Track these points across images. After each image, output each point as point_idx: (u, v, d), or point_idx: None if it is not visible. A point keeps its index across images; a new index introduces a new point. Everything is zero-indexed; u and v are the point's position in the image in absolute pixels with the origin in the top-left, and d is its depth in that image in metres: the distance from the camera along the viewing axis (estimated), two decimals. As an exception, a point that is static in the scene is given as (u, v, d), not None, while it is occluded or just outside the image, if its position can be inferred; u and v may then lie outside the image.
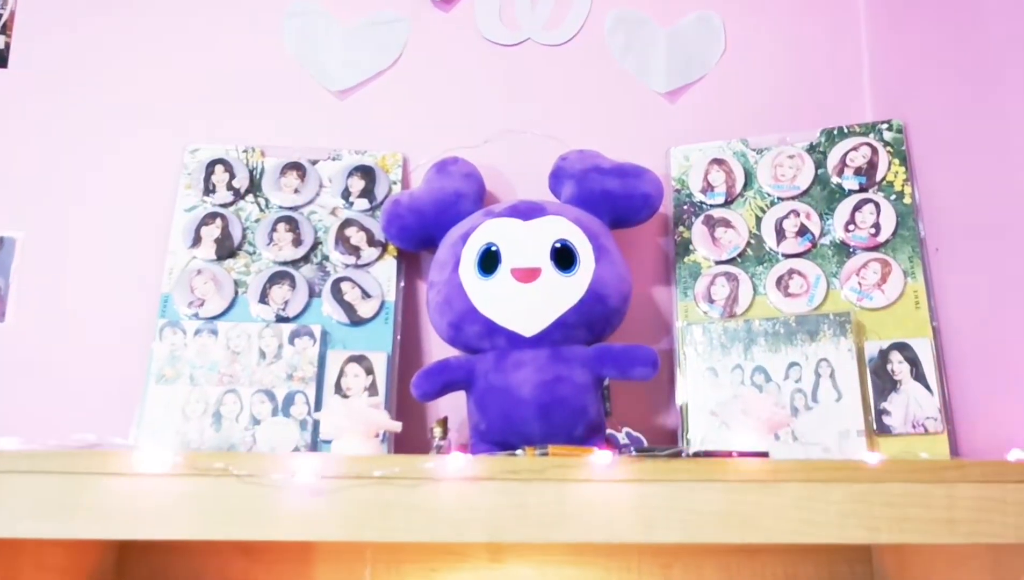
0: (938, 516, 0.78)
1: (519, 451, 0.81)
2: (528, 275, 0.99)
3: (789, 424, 0.97)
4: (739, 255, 1.13)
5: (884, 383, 1.03)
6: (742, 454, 0.82)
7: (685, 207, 1.17)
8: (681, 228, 1.16)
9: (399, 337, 1.10)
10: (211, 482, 0.76)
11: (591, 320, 1.00)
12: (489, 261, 1.01)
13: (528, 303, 0.99)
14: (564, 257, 1.00)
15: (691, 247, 1.15)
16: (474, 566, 1.07)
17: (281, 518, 0.75)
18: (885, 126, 1.14)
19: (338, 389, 1.05)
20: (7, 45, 1.20)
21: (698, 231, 1.15)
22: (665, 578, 1.08)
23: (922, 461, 0.87)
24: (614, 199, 1.07)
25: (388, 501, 0.76)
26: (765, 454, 0.83)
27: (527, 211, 1.04)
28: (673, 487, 0.78)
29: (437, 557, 1.07)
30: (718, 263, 1.13)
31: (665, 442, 1.10)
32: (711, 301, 1.11)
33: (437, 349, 1.12)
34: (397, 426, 0.89)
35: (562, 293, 0.99)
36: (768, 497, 0.78)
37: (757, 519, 0.78)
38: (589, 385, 0.99)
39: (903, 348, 1.04)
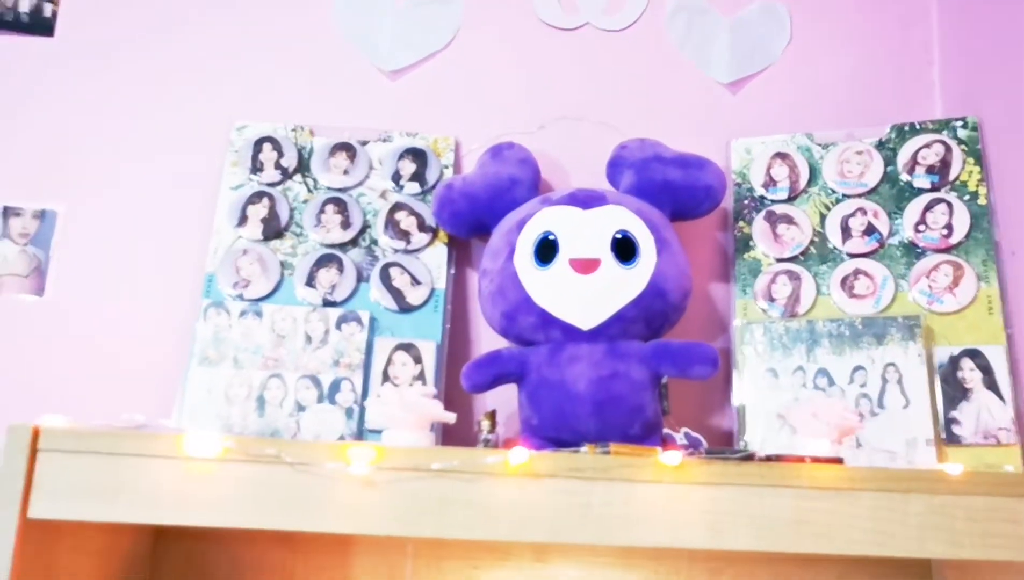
0: (1024, 533, 0.74)
1: (582, 448, 0.77)
2: (587, 266, 0.96)
3: (858, 431, 0.93)
4: (802, 253, 1.09)
5: (954, 391, 0.99)
6: (816, 460, 0.78)
7: (746, 202, 1.13)
8: (741, 223, 1.12)
9: (448, 326, 1.06)
10: (262, 469, 0.73)
11: (650, 315, 0.97)
12: (546, 250, 0.97)
13: (586, 295, 0.95)
14: (625, 248, 0.97)
15: (751, 243, 1.11)
16: (518, 564, 1.04)
17: (333, 510, 0.72)
18: (959, 123, 1.09)
19: (385, 377, 1.01)
20: (54, 13, 1.17)
21: (759, 227, 1.11)
22: (715, 585, 1.04)
23: (1006, 474, 0.82)
24: (675, 190, 1.03)
25: (445, 496, 0.73)
26: (840, 460, 0.79)
27: (586, 199, 1.00)
28: (744, 491, 0.74)
29: (480, 554, 1.04)
30: (779, 261, 1.09)
31: (720, 444, 1.06)
32: (771, 300, 1.07)
33: (487, 340, 1.08)
34: (451, 417, 0.85)
35: (622, 286, 0.95)
36: (843, 506, 0.74)
37: (831, 529, 0.74)
38: (646, 382, 0.95)
39: (975, 355, 0.99)
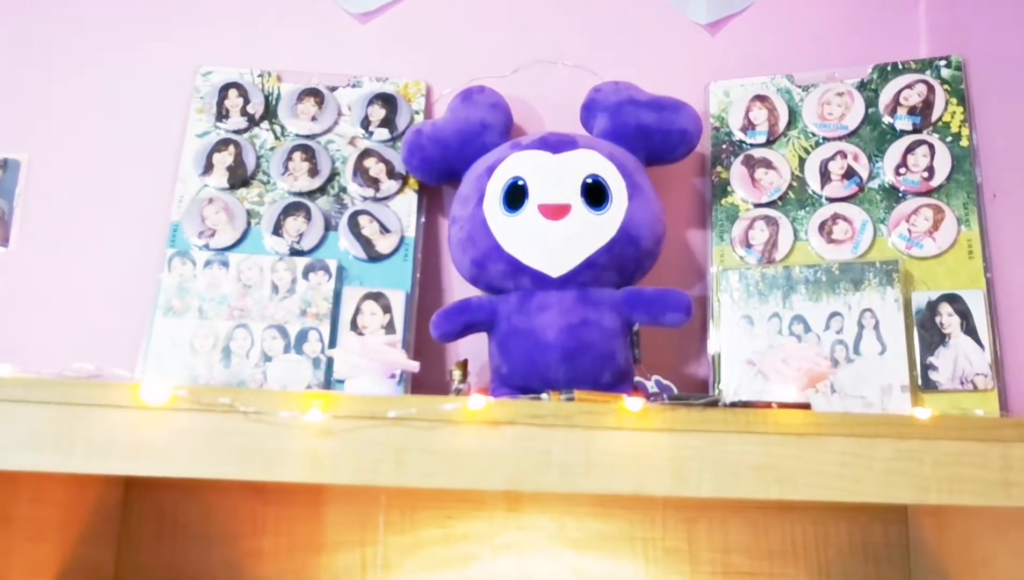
0: (992, 477, 0.72)
1: (544, 395, 0.76)
2: (556, 212, 0.93)
3: (831, 377, 0.92)
4: (780, 198, 1.06)
5: (932, 336, 0.97)
6: (782, 406, 0.77)
7: (724, 146, 1.10)
8: (719, 168, 1.09)
9: (418, 275, 1.04)
10: (216, 418, 0.71)
11: (622, 262, 0.95)
12: (515, 196, 0.95)
13: (556, 242, 0.93)
14: (595, 193, 0.94)
15: (729, 189, 1.08)
16: (491, 515, 1.03)
17: (289, 459, 0.71)
18: (943, 63, 1.06)
19: (354, 327, 1.00)
20: (12, -43, 1.14)
21: (737, 172, 1.08)
22: (690, 533, 1.04)
23: (976, 418, 0.81)
24: (650, 134, 1.01)
25: (403, 444, 0.72)
26: (807, 406, 0.78)
27: (557, 144, 0.97)
28: (708, 438, 0.73)
29: (453, 504, 1.03)
30: (757, 206, 1.07)
31: (695, 393, 1.05)
32: (748, 246, 1.05)
33: (458, 289, 1.07)
34: (415, 366, 0.84)
35: (592, 232, 0.93)
36: (809, 452, 0.73)
37: (796, 475, 0.73)
38: (617, 330, 0.94)
39: (953, 300, 0.97)
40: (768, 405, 0.77)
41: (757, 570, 1.03)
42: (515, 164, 0.96)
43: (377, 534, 1.02)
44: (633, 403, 0.73)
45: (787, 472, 0.73)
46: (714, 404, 0.75)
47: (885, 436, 0.73)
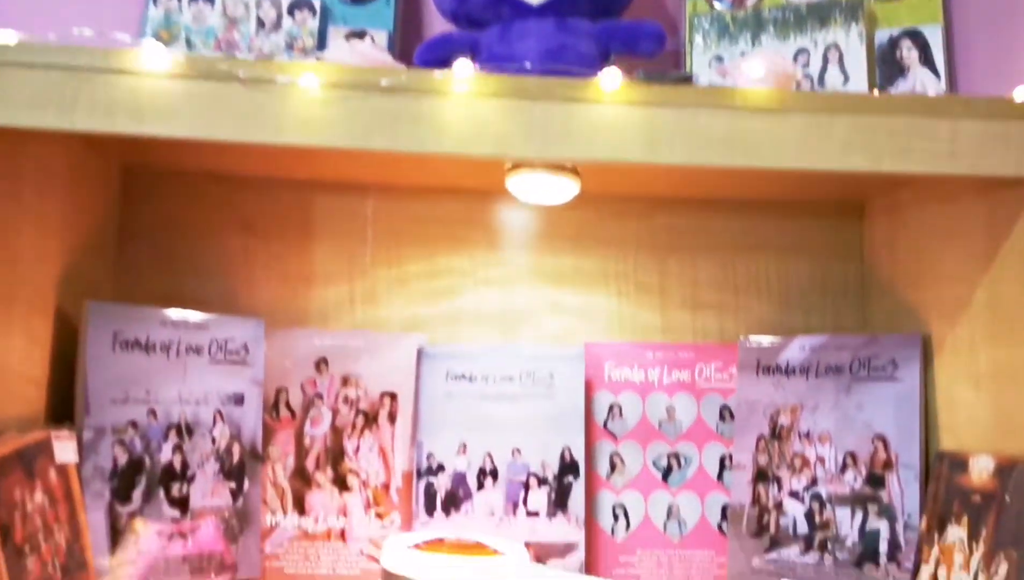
0: (941, 149, 0.78)
1: (527, 63, 0.80)
2: (536, -60, 0.96)
3: (796, 79, 0.97)
4: (751, -51, 1.10)
5: (891, 70, 1.02)
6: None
7: (698, -97, 1.13)
8: (693, -76, 1.12)
9: (399, 19, 1.07)
10: (215, 85, 0.75)
11: (598, -8, 0.98)
12: (496, -75, 0.97)
13: (535, -31, 0.96)
14: (573, -78, 0.97)
15: (702, -58, 1.11)
16: (472, 251, 1.08)
17: (286, 124, 0.75)
18: None
19: (339, 60, 1.03)
20: None
21: (710, -74, 1.11)
22: (661, 270, 1.10)
23: (927, 97, 0.86)
24: None
25: (395, 112, 0.76)
26: (773, 91, 0.82)
27: None
28: (680, 111, 0.78)
29: (437, 241, 1.08)
30: (729, -43, 1.10)
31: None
32: (720, -5, 1.09)
33: (438, 31, 1.09)
34: (401, 69, 0.87)
35: (570, -40, 0.97)
36: (774, 126, 0.78)
37: (762, 146, 0.78)
38: (595, 57, 0.98)
39: (914, 35, 1.02)
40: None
41: (724, 303, 1.10)
42: None
43: (365, 268, 1.07)
44: (610, 78, 0.77)
45: (754, 143, 0.78)
46: (687, 80, 0.80)
47: (843, 112, 0.78)
